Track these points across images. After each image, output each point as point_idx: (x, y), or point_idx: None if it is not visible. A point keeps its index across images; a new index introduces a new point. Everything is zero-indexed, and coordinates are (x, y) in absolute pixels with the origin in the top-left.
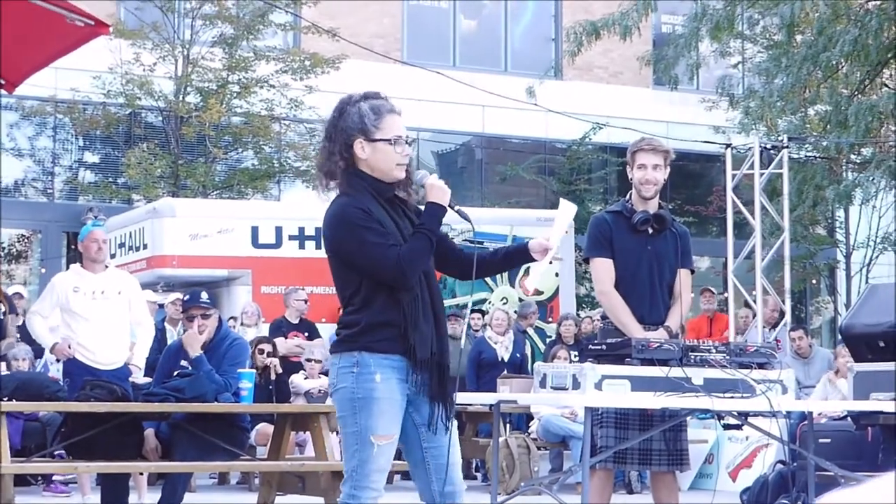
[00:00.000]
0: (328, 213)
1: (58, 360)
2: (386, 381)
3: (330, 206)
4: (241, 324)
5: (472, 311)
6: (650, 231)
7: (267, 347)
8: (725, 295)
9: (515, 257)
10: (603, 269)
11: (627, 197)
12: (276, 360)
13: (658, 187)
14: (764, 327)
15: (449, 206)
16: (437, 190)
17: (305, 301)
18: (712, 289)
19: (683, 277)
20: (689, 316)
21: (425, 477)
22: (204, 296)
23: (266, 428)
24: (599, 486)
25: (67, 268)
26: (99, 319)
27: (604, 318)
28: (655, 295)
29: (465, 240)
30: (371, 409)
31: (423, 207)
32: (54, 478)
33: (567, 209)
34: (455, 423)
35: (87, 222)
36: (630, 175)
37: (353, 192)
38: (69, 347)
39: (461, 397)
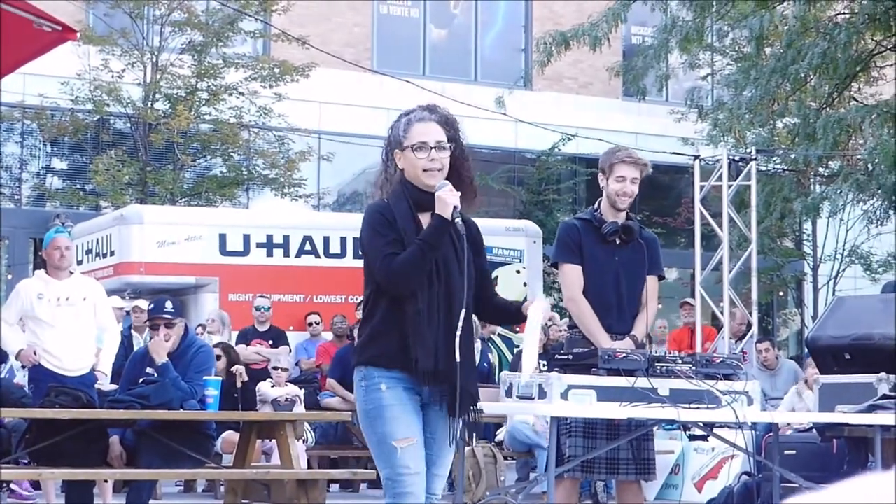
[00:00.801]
0: None
1: (23, 367)
2: (392, 389)
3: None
4: (207, 332)
5: None
6: (618, 241)
7: (216, 351)
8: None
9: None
10: (572, 276)
11: (596, 206)
12: (241, 368)
13: (632, 200)
14: (731, 339)
15: (452, 218)
16: (441, 202)
17: (259, 308)
18: (692, 301)
19: (651, 284)
20: (655, 326)
21: None
22: (168, 305)
23: (232, 436)
24: (565, 496)
25: (34, 274)
26: (64, 326)
27: (571, 327)
28: (622, 305)
29: None
30: (384, 417)
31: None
32: (17, 484)
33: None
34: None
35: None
36: (602, 184)
37: (389, 197)
38: (34, 354)
39: None
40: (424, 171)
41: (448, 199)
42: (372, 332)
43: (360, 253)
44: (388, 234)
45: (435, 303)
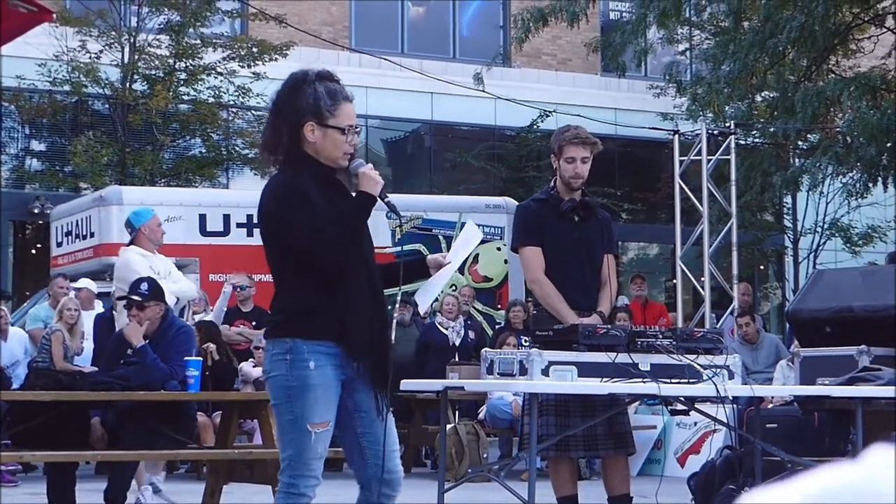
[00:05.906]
0: (264, 190)
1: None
2: (320, 368)
3: (267, 184)
4: (192, 311)
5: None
6: (577, 219)
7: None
8: (674, 281)
9: (414, 270)
10: (533, 257)
11: (552, 185)
12: (213, 346)
13: (584, 180)
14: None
15: (380, 196)
16: (370, 180)
17: (235, 287)
18: (643, 275)
19: (610, 262)
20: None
21: (362, 463)
22: (143, 286)
23: (201, 418)
24: (558, 475)
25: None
26: None
27: (537, 305)
28: (588, 281)
29: (414, 227)
30: (306, 397)
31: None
32: (1, 468)
33: (473, 232)
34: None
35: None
36: (555, 164)
37: (291, 173)
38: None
39: (408, 384)
40: (344, 154)
41: (377, 177)
42: (297, 306)
43: (266, 229)
44: (309, 209)
45: (359, 275)
